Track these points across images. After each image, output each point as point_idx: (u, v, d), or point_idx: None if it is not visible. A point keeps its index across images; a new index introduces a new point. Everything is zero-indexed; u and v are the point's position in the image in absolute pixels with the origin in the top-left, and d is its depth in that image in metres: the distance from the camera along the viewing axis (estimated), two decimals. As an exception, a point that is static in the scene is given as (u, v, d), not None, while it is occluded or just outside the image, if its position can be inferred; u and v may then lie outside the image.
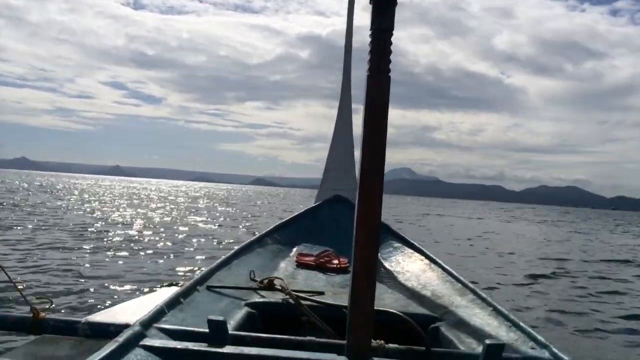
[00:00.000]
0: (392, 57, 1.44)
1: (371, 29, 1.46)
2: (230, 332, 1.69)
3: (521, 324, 2.04)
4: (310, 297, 2.40)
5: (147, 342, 1.56)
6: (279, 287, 2.50)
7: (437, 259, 3.21)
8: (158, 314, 1.82)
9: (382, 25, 1.44)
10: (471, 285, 2.62)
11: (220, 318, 1.60)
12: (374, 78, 1.45)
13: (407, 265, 3.36)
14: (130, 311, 2.56)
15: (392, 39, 1.43)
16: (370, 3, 1.45)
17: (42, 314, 2.18)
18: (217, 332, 1.59)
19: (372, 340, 1.58)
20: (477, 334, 2.11)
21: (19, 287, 2.61)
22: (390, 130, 1.46)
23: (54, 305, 2.52)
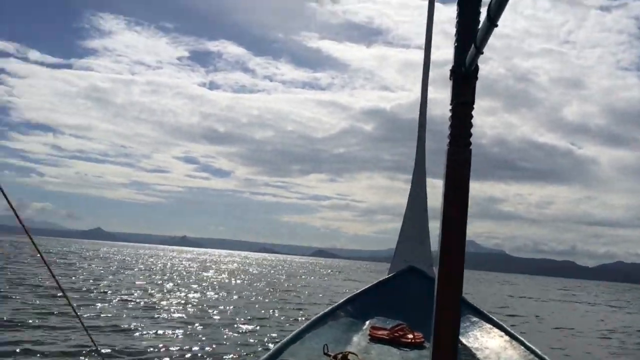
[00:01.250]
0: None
1: (452, 103, 1.46)
2: None
3: None
4: None
5: None
6: None
7: (519, 336, 3.07)
8: None
9: (463, 99, 1.45)
10: None
11: None
12: (455, 150, 1.43)
13: (486, 342, 3.20)
14: None
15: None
16: (450, 78, 1.47)
17: None
18: None
19: None
20: None
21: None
22: None
23: None
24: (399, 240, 5.30)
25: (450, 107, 1.49)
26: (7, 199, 2.08)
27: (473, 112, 1.47)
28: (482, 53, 1.33)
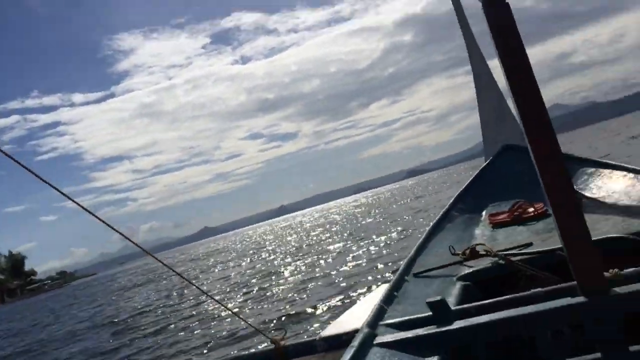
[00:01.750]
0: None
1: None
2: (452, 308, 1.67)
3: None
4: (519, 252, 2.29)
5: (379, 339, 1.61)
6: (484, 252, 2.39)
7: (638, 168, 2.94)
8: (380, 312, 1.87)
9: None
10: None
11: (438, 297, 1.59)
12: (492, 12, 1.33)
13: (611, 187, 3.09)
14: (356, 317, 2.73)
15: None
16: None
17: (282, 343, 2.35)
18: (440, 312, 1.57)
19: (604, 272, 1.42)
20: None
21: (251, 324, 2.86)
22: None
23: (287, 334, 2.65)
24: (483, 125, 5.39)
25: None
26: (118, 231, 2.16)
27: None
28: None
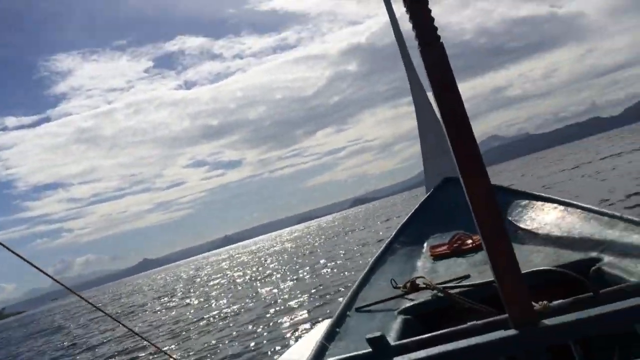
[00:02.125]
0: (439, 33, 1.39)
1: (405, 4, 1.41)
2: (392, 344, 1.68)
3: None
4: (457, 285, 2.34)
5: None
6: (423, 285, 2.44)
7: (572, 201, 3.02)
8: (321, 350, 1.88)
9: None
10: (618, 214, 2.42)
11: (377, 333, 1.60)
12: (427, 51, 1.39)
13: (543, 218, 3.16)
14: (297, 355, 2.67)
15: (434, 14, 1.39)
16: None
17: None
18: (379, 348, 1.59)
19: (534, 303, 1.47)
20: None
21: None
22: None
23: None
24: (424, 158, 5.46)
25: (405, 9, 1.44)
26: (38, 268, 2.04)
27: (432, 7, 1.40)
28: None
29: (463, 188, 1.39)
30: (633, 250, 2.07)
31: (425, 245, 3.71)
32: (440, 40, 1.41)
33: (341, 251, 19.88)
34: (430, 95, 5.18)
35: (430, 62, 1.39)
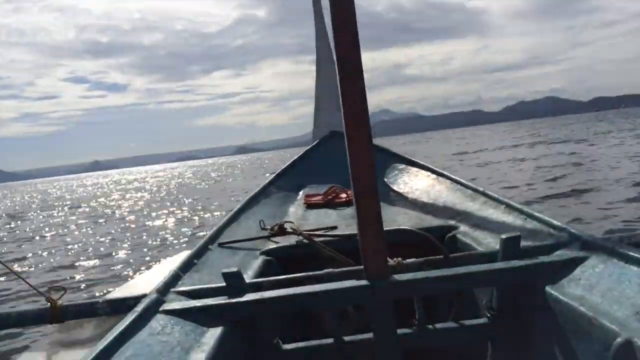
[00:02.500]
0: None
1: None
2: (247, 281, 1.69)
3: (535, 213, 2.01)
4: (324, 234, 2.39)
5: (166, 306, 1.56)
6: (291, 230, 2.47)
7: (444, 172, 3.18)
8: (173, 279, 1.81)
9: None
10: (481, 189, 2.57)
11: (235, 269, 1.61)
12: (337, 3, 1.39)
13: (415, 184, 3.36)
14: (148, 282, 2.48)
15: None
16: None
17: (60, 302, 2.13)
18: (233, 284, 1.59)
19: (389, 259, 1.59)
20: (494, 232, 2.07)
21: (23, 278, 2.51)
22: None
23: (66, 293, 2.33)
24: (315, 108, 5.45)
25: None
26: None
27: None
28: None
29: (344, 141, 1.43)
30: (486, 224, 2.22)
31: (301, 193, 3.78)
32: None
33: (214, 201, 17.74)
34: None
35: (340, 19, 1.41)
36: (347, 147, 1.42)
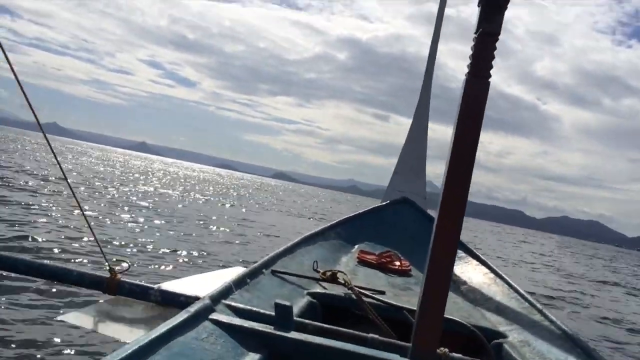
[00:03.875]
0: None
1: (476, 32, 1.39)
2: (295, 318, 1.69)
3: (593, 352, 1.92)
4: (373, 296, 2.37)
5: (215, 316, 1.60)
6: (342, 281, 2.47)
7: (503, 274, 3.15)
8: (226, 291, 1.86)
9: (489, 29, 1.37)
10: (539, 305, 2.51)
11: (287, 303, 1.61)
12: (474, 81, 1.39)
13: (472, 277, 3.31)
14: (200, 285, 2.61)
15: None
16: (478, 5, 1.39)
17: (119, 276, 2.24)
18: (283, 317, 1.60)
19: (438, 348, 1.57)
20: (543, 356, 2.00)
21: (102, 248, 2.65)
22: None
23: (130, 270, 2.55)
24: (395, 171, 5.41)
25: (474, 36, 1.41)
26: None
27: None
28: None
29: (435, 219, 1.42)
30: (536, 342, 2.14)
31: (356, 247, 3.80)
32: (490, 79, 1.42)
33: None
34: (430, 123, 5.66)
35: (471, 93, 1.40)
36: (437, 224, 1.41)
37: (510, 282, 2.98)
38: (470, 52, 1.43)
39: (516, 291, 2.81)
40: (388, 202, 4.58)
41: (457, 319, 2.18)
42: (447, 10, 5.65)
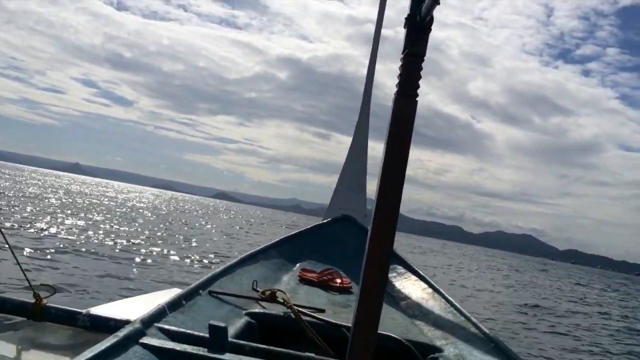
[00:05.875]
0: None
1: (403, 52, 1.44)
2: (229, 339, 1.66)
3: None
4: (311, 314, 2.36)
5: (146, 340, 1.55)
6: (281, 300, 2.46)
7: (441, 289, 3.16)
8: (159, 314, 1.81)
9: (415, 50, 1.43)
10: (474, 319, 2.55)
11: (222, 324, 1.59)
12: (402, 100, 1.43)
13: (410, 292, 3.33)
14: (131, 308, 2.51)
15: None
16: (404, 27, 1.44)
17: (44, 301, 2.17)
18: (217, 339, 1.57)
19: None
20: None
21: (26, 272, 2.51)
22: None
23: (56, 294, 2.44)
24: (336, 188, 5.46)
25: (401, 57, 1.47)
26: None
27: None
28: (439, 3, 1.32)
29: (363, 232, 1.36)
30: (471, 356, 2.13)
31: (297, 265, 3.81)
32: (417, 98, 1.45)
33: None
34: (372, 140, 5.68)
35: (399, 112, 1.43)
36: (369, 241, 1.42)
37: (447, 296, 3.00)
38: (399, 72, 1.47)
39: (453, 306, 2.84)
40: (329, 219, 4.60)
41: (392, 334, 2.19)
42: (385, 31, 5.78)
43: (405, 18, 1.43)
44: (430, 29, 1.42)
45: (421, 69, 1.45)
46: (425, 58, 1.45)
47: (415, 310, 2.99)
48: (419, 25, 1.41)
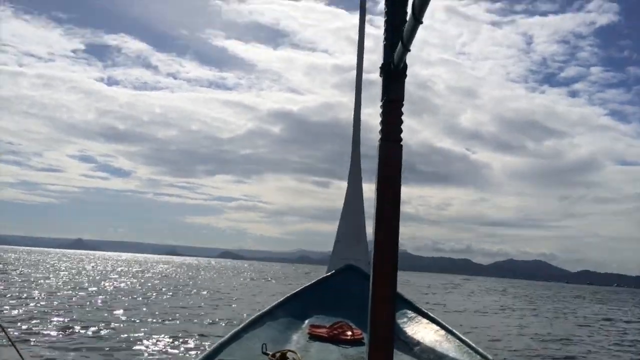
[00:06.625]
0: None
1: (382, 99, 1.48)
2: None
3: None
4: None
5: None
6: None
7: (454, 330, 3.12)
8: None
9: (392, 96, 1.47)
10: (490, 357, 2.50)
11: None
12: (386, 145, 1.46)
13: (422, 336, 3.26)
14: None
15: (364, 114, 2.06)
16: (380, 75, 1.49)
17: None
18: None
19: None
20: None
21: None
22: None
23: None
24: (337, 239, 5.37)
25: (380, 104, 1.50)
26: None
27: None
28: (410, 50, 1.36)
29: (368, 281, 1.42)
30: None
31: (306, 322, 3.72)
32: (401, 142, 1.48)
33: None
34: (366, 185, 5.57)
35: (385, 157, 1.46)
36: (372, 290, 1.40)
37: (462, 337, 2.93)
38: (380, 119, 1.48)
39: (468, 346, 2.78)
40: (333, 271, 4.54)
41: None
42: (370, 76, 5.85)
43: (380, 67, 1.48)
44: (405, 75, 1.45)
45: (401, 113, 1.47)
46: (404, 102, 1.47)
47: (430, 355, 2.94)
48: (393, 73, 1.45)
